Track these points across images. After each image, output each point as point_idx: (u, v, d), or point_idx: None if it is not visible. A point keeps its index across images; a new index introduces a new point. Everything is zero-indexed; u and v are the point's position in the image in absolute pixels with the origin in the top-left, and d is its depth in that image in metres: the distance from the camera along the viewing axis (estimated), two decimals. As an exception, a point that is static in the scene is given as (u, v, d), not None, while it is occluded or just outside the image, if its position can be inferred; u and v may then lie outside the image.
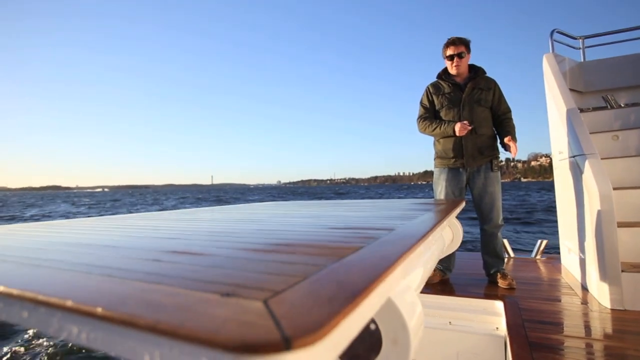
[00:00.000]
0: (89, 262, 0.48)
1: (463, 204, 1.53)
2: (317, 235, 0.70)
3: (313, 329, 0.23)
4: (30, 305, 0.29)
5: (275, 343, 0.21)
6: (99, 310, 0.26)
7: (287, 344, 0.21)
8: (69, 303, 0.27)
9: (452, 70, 2.72)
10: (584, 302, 2.27)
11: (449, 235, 1.39)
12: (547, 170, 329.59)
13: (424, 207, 1.41)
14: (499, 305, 2.26)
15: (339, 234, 0.70)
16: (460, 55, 2.66)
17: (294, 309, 0.25)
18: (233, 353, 0.21)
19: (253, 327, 0.22)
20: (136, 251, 0.58)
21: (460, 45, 2.66)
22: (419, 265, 0.85)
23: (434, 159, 2.89)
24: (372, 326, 0.46)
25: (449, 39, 2.71)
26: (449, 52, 2.69)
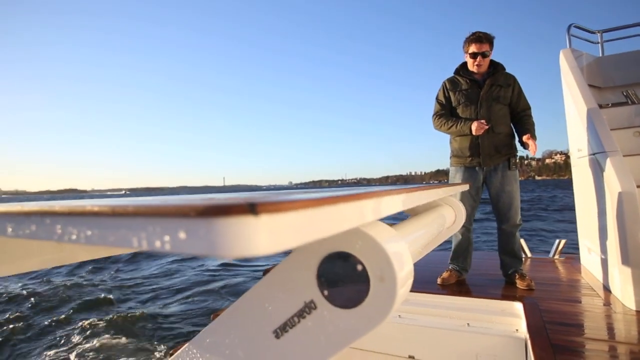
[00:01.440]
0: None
1: (466, 187, 1.52)
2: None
3: (277, 203, 0.26)
4: (37, 218, 0.33)
5: (242, 207, 0.24)
6: (95, 209, 0.29)
7: (252, 208, 0.24)
8: (69, 209, 0.31)
9: (473, 68, 2.63)
10: (607, 303, 2.21)
11: (450, 214, 1.38)
12: (562, 168, 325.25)
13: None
14: (518, 306, 2.22)
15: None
16: (484, 55, 2.55)
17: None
18: (205, 217, 0.24)
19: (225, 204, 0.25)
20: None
21: (485, 43, 2.54)
22: (415, 227, 0.88)
23: (450, 158, 2.84)
24: (359, 267, 0.49)
25: (473, 34, 2.57)
26: (473, 49, 2.56)
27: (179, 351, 0.66)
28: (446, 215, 1.34)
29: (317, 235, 0.31)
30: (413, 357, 2.06)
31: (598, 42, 3.83)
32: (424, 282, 2.74)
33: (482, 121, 2.53)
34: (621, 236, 2.20)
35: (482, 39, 2.53)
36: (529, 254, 3.62)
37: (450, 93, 2.74)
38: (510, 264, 2.68)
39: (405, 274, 0.51)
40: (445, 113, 2.76)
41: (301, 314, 0.53)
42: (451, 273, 2.74)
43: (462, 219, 1.44)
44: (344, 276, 0.50)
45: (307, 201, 0.29)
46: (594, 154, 2.58)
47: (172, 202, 0.26)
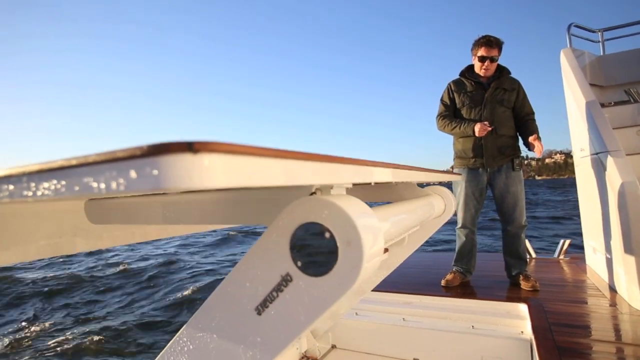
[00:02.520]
0: None
1: (459, 177, 1.53)
2: None
3: (215, 143, 0.28)
4: (15, 179, 0.36)
5: (181, 145, 0.26)
6: (63, 163, 0.32)
7: (190, 147, 0.26)
8: (39, 167, 0.34)
9: (480, 72, 2.65)
10: (613, 304, 2.19)
11: (439, 203, 1.39)
12: (562, 167, 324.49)
13: None
14: (522, 308, 2.21)
15: None
16: (492, 59, 2.57)
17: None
18: (150, 157, 0.26)
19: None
20: None
21: (495, 47, 2.56)
22: (396, 209, 0.89)
23: (454, 159, 2.85)
24: (327, 234, 0.52)
25: (484, 37, 2.59)
26: (482, 52, 2.57)
27: (171, 341, 0.69)
28: (435, 204, 1.34)
29: (257, 182, 0.32)
30: None
31: (599, 41, 3.83)
32: (428, 284, 2.73)
33: (485, 123, 2.54)
34: (626, 236, 2.18)
35: (492, 43, 2.55)
36: (533, 255, 3.59)
37: (455, 95, 2.76)
38: (515, 265, 2.67)
39: (372, 239, 0.54)
40: (449, 114, 2.77)
41: (279, 288, 0.56)
42: (455, 275, 2.73)
43: (451, 208, 1.45)
44: (314, 245, 0.53)
45: (247, 147, 0.31)
46: (596, 154, 2.57)
47: (124, 147, 0.29)
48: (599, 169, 2.52)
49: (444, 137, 2.89)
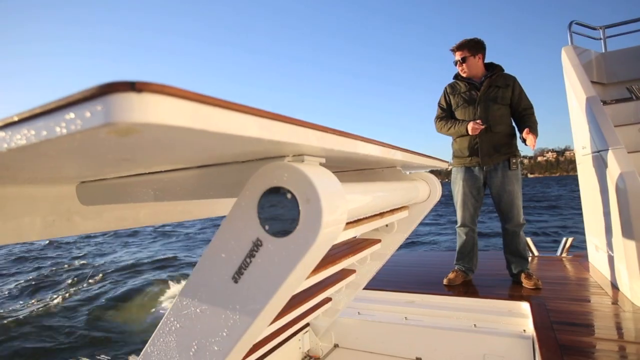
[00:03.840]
0: None
1: (445, 164, 1.56)
2: None
3: (158, 85, 0.30)
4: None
5: (126, 85, 0.28)
6: (26, 114, 0.35)
7: (132, 86, 0.28)
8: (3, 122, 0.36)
9: (462, 74, 2.76)
10: (616, 302, 2.19)
11: (423, 188, 1.41)
12: (554, 165, 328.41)
13: None
14: (525, 306, 2.21)
15: None
16: (463, 60, 2.70)
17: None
18: (99, 97, 0.29)
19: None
20: None
21: (461, 50, 2.70)
22: (367, 185, 0.92)
23: (452, 159, 2.87)
24: (289, 195, 0.56)
25: (453, 45, 2.78)
26: (455, 58, 2.76)
27: (160, 323, 0.72)
28: (419, 188, 1.36)
29: (199, 125, 0.34)
30: (420, 359, 2.06)
31: (600, 39, 3.81)
32: (430, 283, 2.73)
33: (478, 121, 2.58)
34: (628, 233, 2.18)
35: (458, 47, 2.72)
36: (535, 253, 3.59)
37: (451, 97, 2.83)
38: (516, 263, 2.67)
39: (332, 198, 0.57)
40: (446, 116, 2.84)
41: (252, 254, 0.60)
42: (457, 274, 2.74)
43: (437, 194, 1.46)
44: (279, 208, 0.57)
45: (190, 93, 0.33)
46: (598, 151, 2.56)
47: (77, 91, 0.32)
48: (601, 166, 2.52)
49: (443, 137, 2.91)
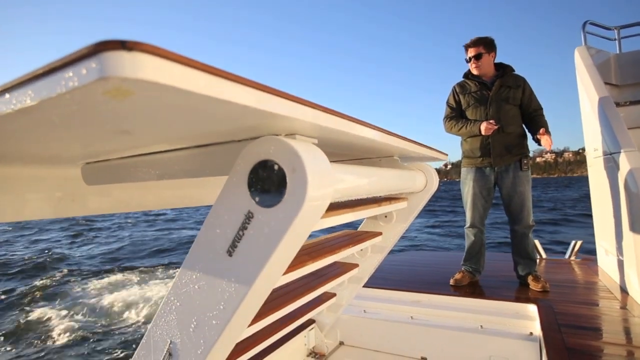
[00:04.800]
0: None
1: (445, 159, 1.60)
2: None
3: (147, 45, 0.32)
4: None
5: (117, 43, 0.31)
6: (17, 80, 0.37)
7: (123, 45, 0.31)
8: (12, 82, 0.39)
9: (474, 71, 2.72)
10: (625, 306, 2.17)
11: (420, 177, 1.46)
12: (552, 167, 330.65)
13: None
14: (532, 308, 2.19)
15: None
16: (477, 57, 2.64)
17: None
18: (93, 55, 0.31)
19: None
20: None
21: (477, 46, 2.65)
22: (360, 168, 0.95)
23: (462, 159, 2.85)
24: (276, 167, 0.59)
25: (468, 42, 2.72)
26: (468, 54, 2.70)
27: (162, 303, 0.75)
28: (416, 177, 1.40)
29: (187, 85, 0.37)
30: (425, 359, 2.06)
31: (615, 39, 3.75)
32: (436, 283, 2.73)
33: (492, 121, 2.55)
34: (639, 237, 2.15)
35: (471, 44, 2.66)
36: (543, 255, 3.56)
37: (460, 96, 2.79)
38: (524, 265, 2.65)
39: (319, 169, 0.60)
40: (456, 116, 2.80)
41: (244, 227, 0.63)
42: (464, 274, 2.73)
43: (434, 183, 1.50)
44: (267, 179, 0.61)
45: (179, 56, 0.35)
46: (610, 154, 2.53)
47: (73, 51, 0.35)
48: (613, 169, 2.49)
49: (443, 138, 2.89)
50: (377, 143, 0.93)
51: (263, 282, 0.65)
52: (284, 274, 0.87)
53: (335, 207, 0.97)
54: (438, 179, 1.52)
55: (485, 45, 2.64)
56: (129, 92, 0.35)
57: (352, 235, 1.50)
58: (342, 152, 1.16)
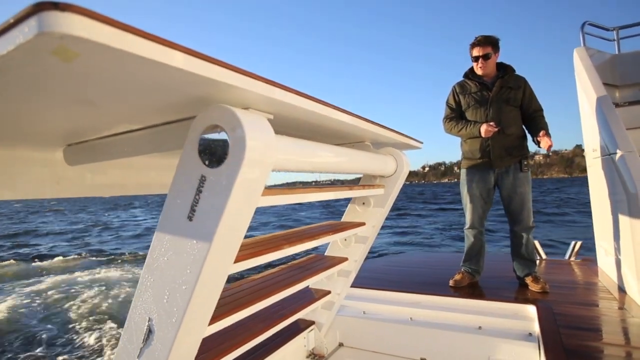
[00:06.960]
0: None
1: (420, 146, 1.68)
2: None
3: (76, 7, 0.37)
4: None
5: (50, 4, 0.36)
6: None
7: (55, 5, 0.36)
8: None
9: (478, 71, 2.66)
10: (624, 307, 2.17)
11: (391, 161, 1.54)
12: (544, 167, 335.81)
13: None
14: (531, 309, 2.19)
15: None
16: (485, 57, 2.58)
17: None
18: (33, 15, 0.36)
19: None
20: None
21: (486, 45, 2.58)
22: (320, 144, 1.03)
23: (461, 160, 2.84)
24: (219, 130, 0.66)
25: (475, 39, 2.63)
26: (475, 53, 2.62)
27: (139, 283, 0.78)
28: (386, 160, 1.46)
29: (118, 45, 0.41)
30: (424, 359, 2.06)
31: (614, 40, 3.75)
32: (436, 284, 2.73)
33: (492, 124, 2.52)
34: (638, 238, 2.15)
35: (482, 42, 2.59)
36: (543, 256, 3.56)
37: (460, 97, 2.75)
38: (523, 266, 2.65)
39: (256, 128, 0.67)
40: (456, 116, 2.77)
41: (199, 190, 0.69)
42: (464, 275, 2.73)
43: (403, 171, 1.56)
44: (213, 143, 0.67)
45: (107, 18, 0.40)
46: (609, 155, 2.53)
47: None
48: (612, 170, 2.49)
49: (450, 137, 2.89)
50: (346, 125, 0.99)
51: (222, 240, 0.70)
52: (256, 255, 0.94)
53: (305, 186, 1.07)
54: (409, 163, 1.58)
55: (494, 45, 2.60)
56: (74, 54, 0.40)
57: (334, 224, 1.54)
58: (313, 137, 1.20)
